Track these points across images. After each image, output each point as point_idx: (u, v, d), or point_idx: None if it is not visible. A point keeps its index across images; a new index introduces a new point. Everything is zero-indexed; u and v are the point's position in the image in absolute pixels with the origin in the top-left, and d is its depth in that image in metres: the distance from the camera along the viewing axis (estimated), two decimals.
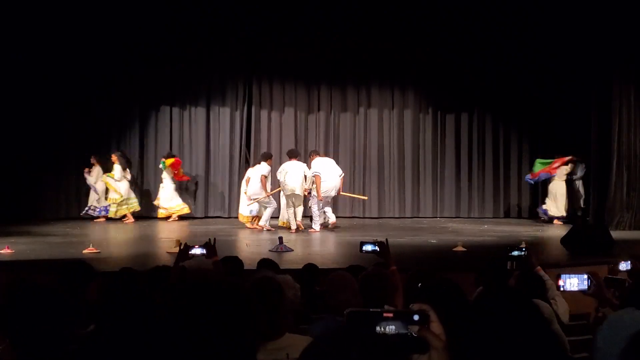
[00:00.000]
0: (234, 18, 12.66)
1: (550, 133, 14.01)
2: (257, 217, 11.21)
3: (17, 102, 12.31)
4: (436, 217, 13.74)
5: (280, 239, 8.48)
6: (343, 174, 11.16)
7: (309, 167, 11.00)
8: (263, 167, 10.86)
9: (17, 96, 12.27)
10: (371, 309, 1.24)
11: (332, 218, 11.00)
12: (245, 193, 11.19)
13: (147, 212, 12.98)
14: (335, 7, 12.05)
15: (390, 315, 1.26)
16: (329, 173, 10.82)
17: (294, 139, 13.55)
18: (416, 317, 1.30)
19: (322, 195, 10.65)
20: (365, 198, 12.80)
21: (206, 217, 13.17)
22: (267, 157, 11.08)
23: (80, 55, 12.35)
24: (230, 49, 13.26)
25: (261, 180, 10.74)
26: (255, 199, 10.92)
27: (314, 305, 4.40)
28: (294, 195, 10.63)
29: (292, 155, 10.97)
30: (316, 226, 10.84)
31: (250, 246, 8.81)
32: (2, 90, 11.99)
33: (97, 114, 12.92)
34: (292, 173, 10.65)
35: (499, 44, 13.15)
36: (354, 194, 12.57)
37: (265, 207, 10.99)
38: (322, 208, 10.88)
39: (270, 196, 11.00)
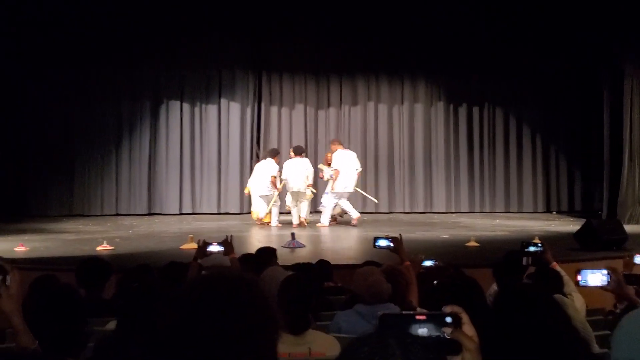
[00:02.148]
0: (242, 12, 12.71)
1: (562, 127, 13.98)
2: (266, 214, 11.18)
3: (23, 95, 12.46)
4: (448, 212, 13.72)
5: (293, 234, 8.50)
6: (360, 169, 11.12)
7: (326, 161, 11.14)
8: (272, 166, 10.77)
9: (22, 88, 12.41)
10: (404, 312, 1.26)
11: (354, 214, 10.92)
12: (247, 192, 11.19)
13: (158, 208, 13.08)
14: None
15: (423, 317, 1.28)
16: (348, 167, 10.79)
17: (304, 135, 13.56)
18: (449, 320, 1.31)
19: (340, 191, 10.62)
20: (376, 201, 12.68)
21: (218, 213, 13.23)
22: (274, 154, 11.04)
23: (89, 50, 12.42)
24: (241, 45, 13.30)
25: (272, 181, 10.68)
26: (263, 196, 10.82)
27: (325, 301, 4.41)
28: (298, 192, 10.73)
29: (297, 152, 10.94)
30: (325, 220, 10.86)
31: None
32: (9, 83, 12.10)
33: (106, 110, 12.98)
34: (296, 171, 10.68)
35: (509, 36, 13.12)
36: (366, 192, 12.50)
37: (273, 205, 10.92)
38: (335, 203, 10.89)
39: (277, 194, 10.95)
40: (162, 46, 12.91)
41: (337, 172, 10.69)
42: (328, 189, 10.90)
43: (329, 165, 11.27)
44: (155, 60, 13.05)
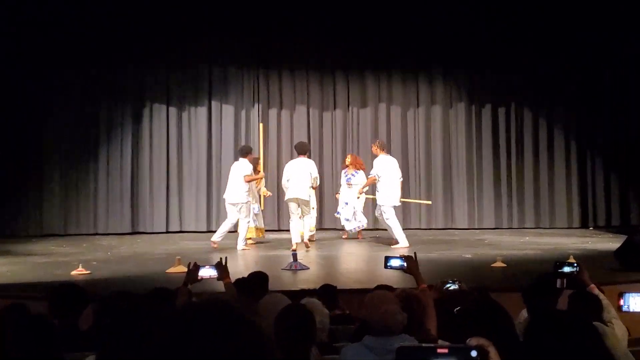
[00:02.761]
0: (235, 2, 12.79)
1: (600, 130, 13.97)
2: (257, 230, 11.10)
3: None
4: (470, 229, 13.72)
5: (294, 255, 8.49)
6: (402, 179, 11.02)
7: (354, 165, 11.13)
8: (244, 166, 10.23)
9: None
10: (423, 344, 1.26)
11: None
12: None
13: (141, 226, 13.10)
14: None
15: (445, 350, 1.27)
16: (395, 176, 10.56)
17: (306, 139, 13.56)
18: (474, 353, 1.31)
19: (395, 204, 10.40)
20: (429, 203, 12.96)
21: (208, 231, 13.22)
22: (246, 152, 10.47)
23: (60, 47, 12.53)
24: (234, 38, 13.37)
25: (246, 180, 10.11)
26: (234, 203, 10.20)
27: (332, 331, 4.41)
28: (299, 201, 9.97)
29: (300, 150, 10.37)
30: (402, 240, 10.34)
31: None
32: None
33: (81, 115, 13.03)
34: (298, 174, 10.03)
35: (538, 26, 13.17)
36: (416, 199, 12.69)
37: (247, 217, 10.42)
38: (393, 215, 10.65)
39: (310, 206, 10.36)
40: (145, 42, 12.99)
41: (372, 179, 10.49)
42: (383, 201, 10.42)
43: (357, 169, 11.45)
44: (138, 58, 13.13)
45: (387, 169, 10.51)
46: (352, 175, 11.65)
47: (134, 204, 13.20)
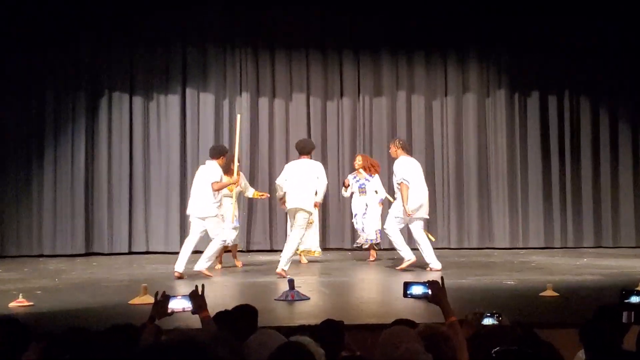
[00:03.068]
0: None
1: None
2: (225, 249, 11.02)
3: None
4: (513, 248, 13.71)
5: (291, 282, 8.48)
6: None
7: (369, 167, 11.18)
8: (212, 170, 10.06)
9: None
10: None
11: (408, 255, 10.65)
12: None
13: (97, 246, 13.14)
14: None
15: None
16: (420, 181, 10.41)
17: (306, 134, 13.69)
18: None
19: (414, 208, 10.23)
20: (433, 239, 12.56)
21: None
22: (218, 153, 10.26)
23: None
24: (214, 9, 13.41)
25: (215, 189, 9.96)
26: (204, 217, 10.07)
27: None
28: (298, 211, 10.00)
29: (303, 150, 10.33)
30: (407, 254, 10.40)
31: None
32: None
33: (23, 107, 13.07)
34: (297, 178, 10.05)
35: None
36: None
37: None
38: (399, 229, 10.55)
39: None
40: (101, 14, 13.02)
41: (405, 186, 10.34)
42: (394, 211, 10.43)
43: (372, 172, 11.55)
44: (92, 35, 13.18)
45: (413, 173, 10.38)
46: (366, 180, 11.65)
47: (89, 219, 13.22)
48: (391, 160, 11.07)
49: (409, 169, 10.37)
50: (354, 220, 11.92)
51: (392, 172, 10.67)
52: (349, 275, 10.60)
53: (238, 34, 13.70)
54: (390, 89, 14.07)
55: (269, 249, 13.16)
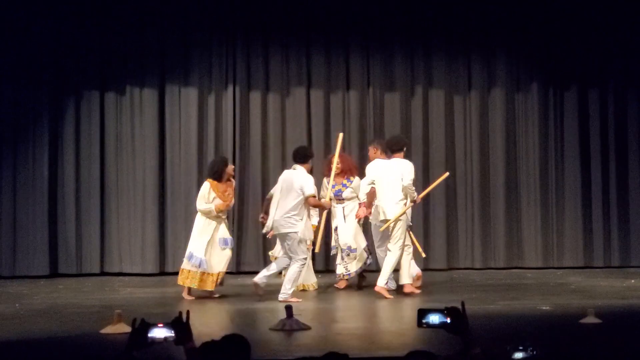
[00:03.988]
0: None
1: None
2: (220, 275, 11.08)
3: None
4: (548, 267, 13.69)
5: (289, 309, 8.52)
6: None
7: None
8: (305, 179, 10.45)
9: None
10: None
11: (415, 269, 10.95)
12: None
13: (64, 266, 13.18)
14: None
15: None
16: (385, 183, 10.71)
17: (305, 134, 13.72)
18: None
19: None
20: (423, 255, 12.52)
21: (161, 273, 13.22)
22: (308, 157, 10.77)
23: None
24: None
25: (308, 202, 10.39)
26: (286, 233, 10.41)
27: None
28: (279, 235, 10.46)
29: (299, 158, 10.69)
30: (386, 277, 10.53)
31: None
32: None
33: None
34: (282, 190, 10.44)
35: None
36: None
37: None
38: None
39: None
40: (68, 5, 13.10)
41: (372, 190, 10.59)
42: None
43: (352, 173, 11.58)
44: (54, 19, 13.20)
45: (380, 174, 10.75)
46: (343, 186, 11.62)
47: (53, 235, 13.22)
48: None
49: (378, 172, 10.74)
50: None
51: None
52: (354, 301, 10.61)
53: (226, 16, 13.72)
54: (405, 81, 14.05)
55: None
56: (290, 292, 10.07)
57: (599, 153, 14.13)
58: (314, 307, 9.94)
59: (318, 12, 13.82)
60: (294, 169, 10.50)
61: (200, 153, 13.58)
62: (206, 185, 10.75)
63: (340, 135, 11.39)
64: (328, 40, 13.96)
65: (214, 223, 10.67)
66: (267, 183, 12.91)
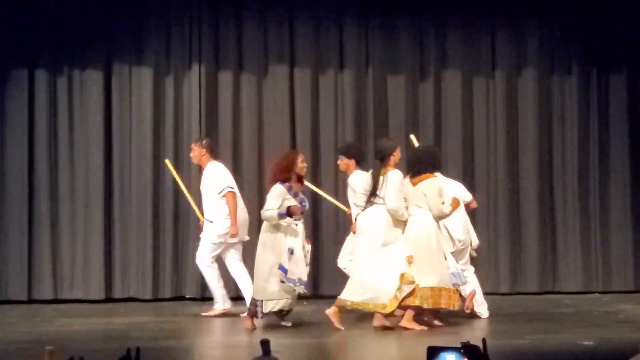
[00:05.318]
0: None
1: None
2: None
3: None
4: (590, 292, 13.80)
5: (265, 345, 8.55)
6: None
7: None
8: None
9: None
10: None
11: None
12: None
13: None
14: None
15: None
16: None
17: (289, 123, 13.83)
18: None
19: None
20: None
21: (107, 299, 13.24)
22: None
23: None
24: None
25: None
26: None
27: None
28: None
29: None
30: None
31: None
32: None
33: None
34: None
35: None
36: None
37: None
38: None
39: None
40: None
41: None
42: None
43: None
44: None
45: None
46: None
47: None
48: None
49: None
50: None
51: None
52: (347, 334, 10.63)
53: None
54: (410, 61, 14.12)
55: (235, 296, 12.79)
56: None
57: None
58: (299, 341, 9.92)
59: None
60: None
61: (155, 147, 13.62)
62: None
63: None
64: (317, 9, 14.02)
65: None
66: (240, 181, 12.68)
